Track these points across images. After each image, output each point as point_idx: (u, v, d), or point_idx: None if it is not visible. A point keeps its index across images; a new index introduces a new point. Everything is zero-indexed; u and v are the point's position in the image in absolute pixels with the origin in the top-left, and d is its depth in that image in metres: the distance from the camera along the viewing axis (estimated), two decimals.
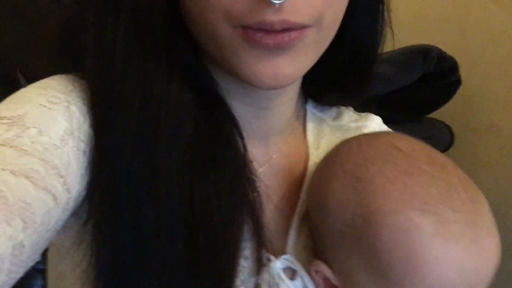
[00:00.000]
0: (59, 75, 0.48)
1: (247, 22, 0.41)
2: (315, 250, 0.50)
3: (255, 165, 0.51)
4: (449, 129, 1.23)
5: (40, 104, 0.42)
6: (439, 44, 1.14)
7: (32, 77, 0.64)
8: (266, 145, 0.55)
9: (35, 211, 0.36)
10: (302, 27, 0.42)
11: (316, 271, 0.47)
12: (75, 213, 0.43)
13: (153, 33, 0.44)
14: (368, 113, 0.65)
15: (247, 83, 0.45)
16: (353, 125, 0.62)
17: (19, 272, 0.36)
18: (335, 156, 0.50)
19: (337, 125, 0.62)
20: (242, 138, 0.49)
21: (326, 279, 0.47)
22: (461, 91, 1.19)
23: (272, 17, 0.40)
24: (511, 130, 1.25)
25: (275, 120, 0.55)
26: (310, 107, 0.61)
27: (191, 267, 0.43)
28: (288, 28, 0.42)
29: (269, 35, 0.41)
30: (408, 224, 0.41)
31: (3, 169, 0.36)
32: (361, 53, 0.56)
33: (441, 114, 1.23)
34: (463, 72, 1.16)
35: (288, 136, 0.57)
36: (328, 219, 0.47)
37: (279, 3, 0.39)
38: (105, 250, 0.42)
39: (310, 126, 0.60)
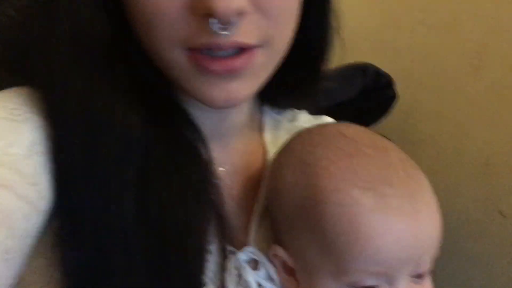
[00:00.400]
0: (14, 88, 0.48)
1: (192, 44, 0.41)
2: (274, 236, 0.52)
3: (215, 166, 0.52)
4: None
5: (3, 118, 0.42)
6: (375, 63, 1.22)
7: None
8: (225, 146, 0.56)
9: (15, 218, 0.37)
10: (251, 48, 0.42)
11: (274, 255, 0.49)
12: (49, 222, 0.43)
13: (95, 55, 0.43)
14: (322, 115, 0.67)
15: (201, 103, 0.45)
16: (308, 126, 0.64)
17: (11, 277, 0.36)
18: (286, 146, 0.53)
19: (294, 126, 0.63)
20: (203, 141, 0.50)
21: (283, 263, 0.49)
22: (397, 105, 1.26)
23: (220, 40, 0.40)
24: (445, 140, 1.32)
25: (231, 120, 0.55)
26: (267, 109, 0.63)
27: (161, 270, 0.43)
28: (238, 50, 0.41)
29: (218, 61, 0.41)
30: (348, 200, 0.43)
31: None
32: (312, 54, 0.57)
33: (381, 128, 1.28)
34: (398, 88, 1.24)
35: (246, 136, 0.59)
36: (281, 203, 0.49)
37: (226, 35, 0.39)
38: (69, 257, 0.42)
39: (267, 126, 0.61)
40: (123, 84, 0.44)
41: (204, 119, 0.52)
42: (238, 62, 0.42)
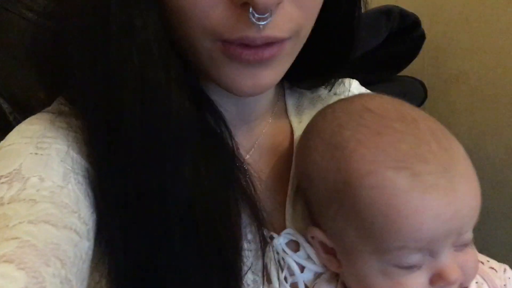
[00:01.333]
0: (36, 117, 0.48)
1: (227, 37, 0.41)
2: (310, 218, 0.51)
3: (242, 151, 0.52)
4: (421, 83, 1.26)
5: (31, 153, 0.42)
6: (398, 3, 1.16)
7: (11, 97, 0.64)
8: (250, 131, 0.56)
9: (65, 249, 0.37)
10: (282, 41, 0.42)
11: (312, 237, 0.49)
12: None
13: (148, 49, 0.42)
14: (343, 78, 0.65)
15: (228, 91, 0.45)
16: (331, 93, 0.63)
17: None
18: (312, 127, 0.51)
19: (317, 96, 0.62)
20: (228, 129, 0.50)
21: (322, 243, 0.49)
22: (426, 45, 1.21)
23: (253, 34, 0.40)
24: (479, 75, 1.28)
25: (256, 105, 0.55)
26: (287, 85, 0.62)
27: (200, 266, 0.44)
28: (269, 43, 0.41)
29: (250, 50, 0.41)
30: (383, 182, 0.42)
31: (20, 222, 0.36)
32: (338, 37, 0.55)
33: (412, 70, 1.25)
34: (425, 26, 1.18)
35: (271, 117, 0.58)
36: (314, 187, 0.48)
37: (263, 25, 0.39)
38: (120, 263, 0.43)
39: (289, 102, 0.61)
40: (175, 77, 0.43)
41: (228, 106, 0.52)
42: (268, 51, 0.42)
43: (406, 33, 1.15)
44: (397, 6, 1.13)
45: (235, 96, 0.50)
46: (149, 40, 0.41)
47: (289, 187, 0.54)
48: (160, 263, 0.43)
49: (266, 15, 0.38)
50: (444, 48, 1.33)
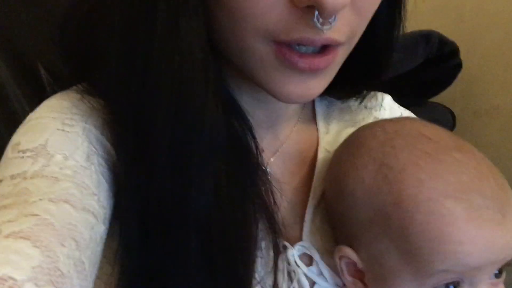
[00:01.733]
0: (65, 92, 0.47)
1: (283, 38, 0.39)
2: (336, 237, 0.50)
3: (266, 154, 0.51)
4: (450, 112, 1.25)
5: (58, 129, 0.42)
6: (438, 29, 1.15)
7: (53, 69, 0.64)
8: (276, 133, 0.55)
9: (82, 230, 0.37)
10: (338, 44, 0.41)
11: (341, 257, 0.48)
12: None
13: (190, 54, 0.40)
14: (376, 92, 0.63)
15: (273, 96, 0.44)
16: (362, 105, 0.61)
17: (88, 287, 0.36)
18: (359, 144, 0.49)
19: (346, 107, 0.61)
20: (253, 135, 0.48)
21: (349, 264, 0.47)
22: (460, 75, 1.20)
23: (313, 36, 0.39)
24: (510, 111, 1.27)
25: (283, 110, 0.54)
26: None
27: (209, 277, 0.43)
28: (325, 48, 0.40)
29: (306, 59, 0.40)
30: (441, 209, 0.42)
31: (41, 199, 0.36)
32: (378, 46, 0.54)
33: (442, 98, 1.25)
34: (462, 56, 1.18)
35: (297, 122, 0.57)
36: (355, 206, 0.47)
37: (327, 29, 0.38)
38: (133, 262, 0.42)
39: (319, 110, 0.59)
40: (213, 80, 0.42)
41: (254, 108, 0.51)
42: (324, 61, 0.41)
43: (443, 61, 1.15)
44: (438, 32, 1.13)
45: (266, 100, 0.49)
46: (193, 44, 0.40)
47: (310, 199, 0.52)
48: (171, 271, 0.42)
49: (331, 19, 0.37)
50: (478, 80, 1.32)
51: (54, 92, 0.55)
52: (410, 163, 0.44)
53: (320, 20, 0.37)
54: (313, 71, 0.41)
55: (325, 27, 0.37)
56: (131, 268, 0.42)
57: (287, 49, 0.40)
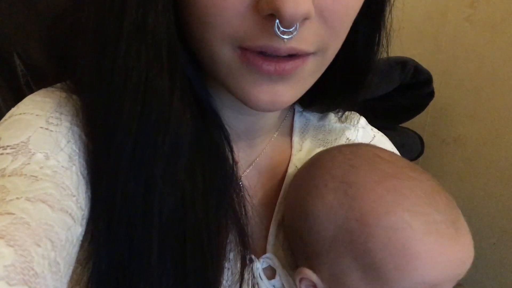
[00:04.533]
0: (51, 89, 0.46)
1: (248, 45, 0.39)
2: (296, 258, 0.50)
3: (242, 166, 0.51)
4: (420, 138, 1.28)
5: (41, 127, 0.41)
6: (413, 57, 1.18)
7: (29, 60, 0.63)
8: (253, 146, 0.55)
9: (58, 231, 0.36)
10: (307, 54, 0.41)
11: (302, 279, 0.48)
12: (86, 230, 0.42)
13: (157, 51, 0.40)
14: (353, 113, 0.64)
15: (243, 103, 0.43)
16: (337, 125, 0.62)
17: None
18: (319, 166, 0.50)
19: (321, 125, 0.62)
20: (230, 147, 0.48)
21: (310, 287, 0.48)
22: (432, 103, 1.23)
23: (277, 44, 0.38)
24: (477, 142, 1.30)
25: (263, 123, 0.54)
26: (298, 106, 0.61)
27: (178, 277, 0.43)
28: (293, 54, 0.40)
29: (271, 62, 0.40)
30: (401, 223, 0.42)
31: (18, 198, 0.35)
32: (356, 66, 0.55)
33: (413, 123, 1.27)
34: (435, 85, 1.20)
35: (274, 136, 0.57)
36: (318, 225, 0.47)
37: (287, 39, 0.37)
38: (101, 264, 0.42)
39: (297, 125, 0.60)
40: (180, 82, 0.42)
41: (234, 120, 0.51)
42: (289, 65, 0.40)
43: (417, 88, 1.18)
44: (414, 60, 1.15)
45: (247, 113, 0.49)
46: (159, 41, 0.40)
47: (275, 214, 0.53)
48: (135, 270, 0.42)
49: (291, 29, 0.37)
50: (448, 110, 1.35)
51: (27, 83, 0.55)
52: (369, 180, 0.45)
53: (281, 29, 0.37)
54: (280, 74, 0.41)
55: (285, 36, 0.37)
56: (100, 265, 0.42)
57: (252, 54, 0.40)
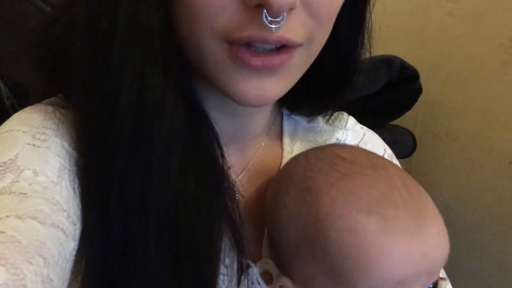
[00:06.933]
0: (37, 105, 0.47)
1: (235, 37, 0.40)
2: (279, 267, 0.51)
3: (234, 171, 0.52)
4: (411, 135, 1.28)
5: (28, 144, 0.41)
6: (400, 55, 1.19)
7: (12, 83, 0.64)
8: (243, 151, 0.55)
9: (50, 247, 0.36)
10: (294, 46, 0.42)
11: (280, 286, 0.48)
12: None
13: (150, 46, 0.41)
14: (341, 112, 0.65)
15: (231, 99, 0.44)
16: (326, 127, 0.63)
17: None
18: (285, 173, 0.51)
19: (311, 127, 0.62)
20: (221, 148, 0.49)
21: None
22: (421, 99, 1.24)
23: (266, 34, 0.39)
24: (469, 135, 1.30)
25: (252, 125, 0.55)
26: (285, 110, 0.62)
27: (174, 280, 0.43)
28: (279, 46, 0.41)
29: (259, 56, 0.40)
30: (354, 225, 0.43)
31: (7, 216, 0.35)
32: (341, 66, 0.55)
33: (404, 120, 1.28)
34: (422, 80, 1.21)
35: (264, 140, 0.58)
36: (283, 232, 0.48)
37: (275, 28, 0.38)
38: (96, 262, 0.42)
39: (286, 128, 0.60)
40: (172, 81, 0.42)
41: (224, 123, 0.51)
42: (278, 58, 0.41)
43: (404, 85, 1.18)
44: (399, 58, 1.16)
45: (234, 113, 0.49)
46: (152, 38, 0.41)
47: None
48: (131, 265, 0.42)
49: (279, 18, 0.38)
50: (438, 105, 1.36)
51: (12, 105, 0.55)
52: (325, 184, 0.46)
53: (269, 18, 0.38)
54: (268, 69, 0.41)
55: (273, 26, 0.38)
56: (94, 261, 0.42)
57: (239, 48, 0.40)
